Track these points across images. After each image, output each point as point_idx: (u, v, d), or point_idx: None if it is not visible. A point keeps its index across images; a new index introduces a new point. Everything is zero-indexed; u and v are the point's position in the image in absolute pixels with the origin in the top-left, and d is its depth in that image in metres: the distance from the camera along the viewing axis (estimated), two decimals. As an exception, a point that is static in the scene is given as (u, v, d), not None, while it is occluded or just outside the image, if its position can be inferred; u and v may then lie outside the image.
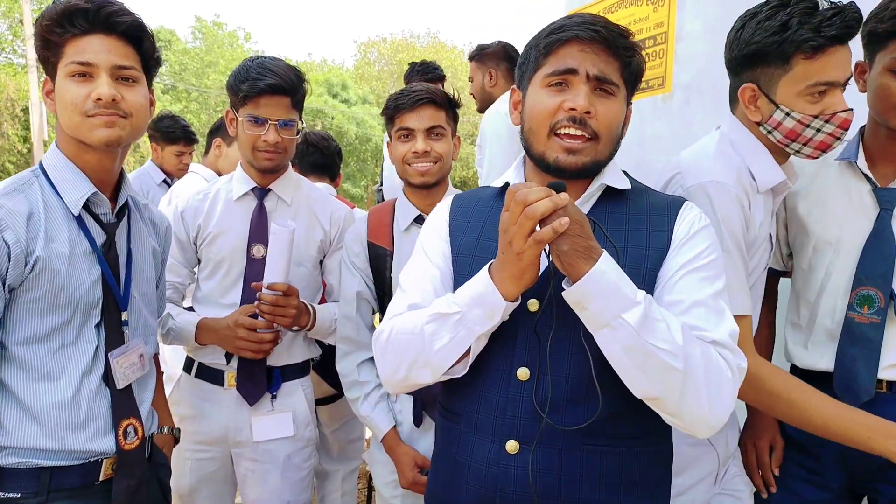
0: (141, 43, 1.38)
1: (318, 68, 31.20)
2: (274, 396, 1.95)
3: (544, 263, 1.12)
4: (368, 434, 3.48)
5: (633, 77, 1.22)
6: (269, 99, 1.83)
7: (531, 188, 1.01)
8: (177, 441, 1.73)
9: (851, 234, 1.52)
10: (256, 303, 1.83)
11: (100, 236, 1.40)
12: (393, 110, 1.85)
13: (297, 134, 1.95)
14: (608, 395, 1.09)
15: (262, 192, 1.96)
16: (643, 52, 1.23)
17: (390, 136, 1.90)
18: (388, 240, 1.88)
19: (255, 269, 1.91)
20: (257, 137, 1.86)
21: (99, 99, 1.31)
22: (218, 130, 3.36)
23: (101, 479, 1.36)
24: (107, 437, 1.36)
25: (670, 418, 1.08)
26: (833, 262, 1.54)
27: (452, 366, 1.17)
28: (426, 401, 1.82)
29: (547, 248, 1.05)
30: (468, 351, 1.15)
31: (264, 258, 1.86)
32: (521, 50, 3.51)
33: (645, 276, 1.15)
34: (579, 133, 1.15)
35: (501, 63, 3.27)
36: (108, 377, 1.38)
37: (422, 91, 1.81)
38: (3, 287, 1.26)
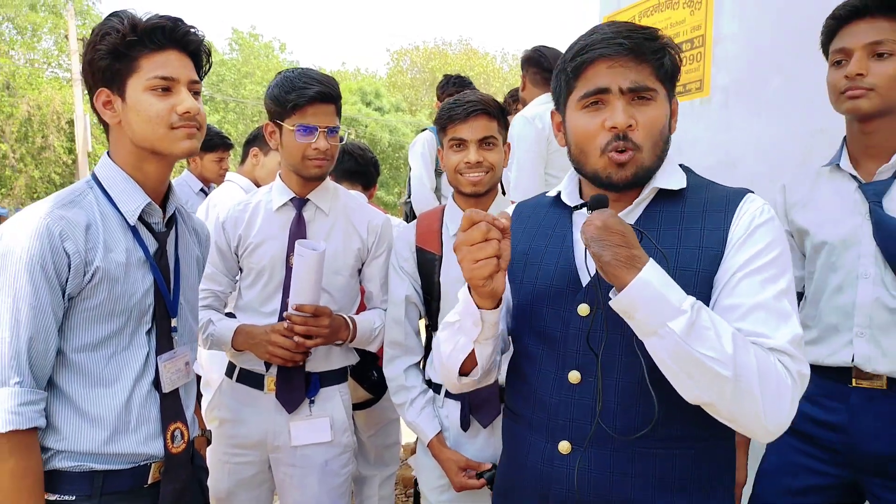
0: (201, 59, 1.46)
1: (351, 77, 31.56)
2: (312, 402, 1.97)
3: (592, 269, 1.15)
4: (405, 440, 3.49)
5: (669, 75, 1.19)
6: (316, 107, 1.86)
7: (474, 219, 1.06)
8: (209, 442, 1.76)
9: (846, 232, 1.59)
10: (286, 323, 1.85)
11: (152, 245, 1.44)
12: (446, 120, 1.86)
13: (342, 140, 1.98)
14: (661, 399, 1.09)
15: (300, 202, 1.99)
16: (677, 52, 1.20)
17: (442, 145, 1.91)
18: (437, 245, 1.90)
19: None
20: (307, 146, 1.88)
21: (186, 112, 1.38)
22: (255, 140, 3.41)
23: (149, 482, 1.40)
24: (156, 440, 1.40)
25: (726, 422, 1.07)
26: (832, 260, 1.60)
27: (469, 374, 1.26)
28: (473, 405, 1.83)
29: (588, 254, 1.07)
30: (475, 360, 1.22)
31: None
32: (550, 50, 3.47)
33: (697, 277, 1.13)
34: (623, 149, 1.15)
35: (530, 68, 3.28)
36: (157, 382, 1.42)
37: (475, 101, 1.82)
38: (63, 296, 1.30)
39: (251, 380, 1.99)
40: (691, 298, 1.03)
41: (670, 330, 1.00)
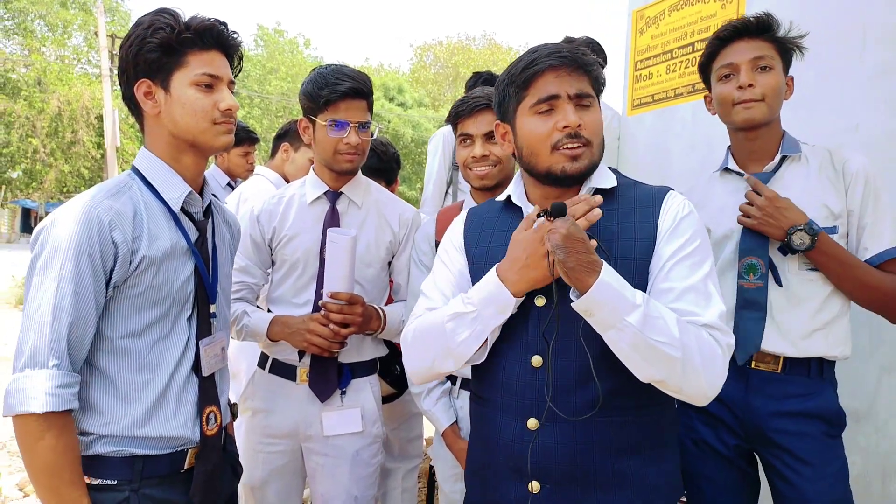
0: (234, 60, 1.54)
1: (374, 72, 31.64)
2: (343, 392, 1.99)
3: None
4: (428, 433, 3.51)
5: (599, 86, 1.37)
6: (349, 103, 1.89)
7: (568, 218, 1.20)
8: (234, 416, 1.74)
9: (727, 227, 1.75)
10: (322, 311, 1.88)
11: (193, 233, 1.49)
12: (455, 117, 1.91)
13: (372, 136, 2.00)
14: (612, 376, 1.25)
15: (334, 196, 2.01)
16: (602, 68, 1.40)
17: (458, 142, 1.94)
18: None
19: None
20: (339, 141, 1.91)
21: (228, 109, 1.46)
22: (286, 135, 3.43)
23: (185, 467, 1.43)
24: (194, 424, 1.44)
25: (672, 394, 1.22)
26: (727, 250, 1.75)
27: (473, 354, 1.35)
28: None
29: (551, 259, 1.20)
30: (486, 340, 1.32)
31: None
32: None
33: (635, 265, 1.29)
34: (576, 144, 1.30)
35: None
36: (196, 367, 1.46)
37: (480, 97, 1.84)
38: (108, 285, 1.33)
39: (284, 370, 2.02)
40: (640, 293, 1.18)
41: (628, 323, 1.14)
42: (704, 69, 1.83)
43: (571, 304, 1.18)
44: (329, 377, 1.97)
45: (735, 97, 1.69)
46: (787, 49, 1.72)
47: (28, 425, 1.24)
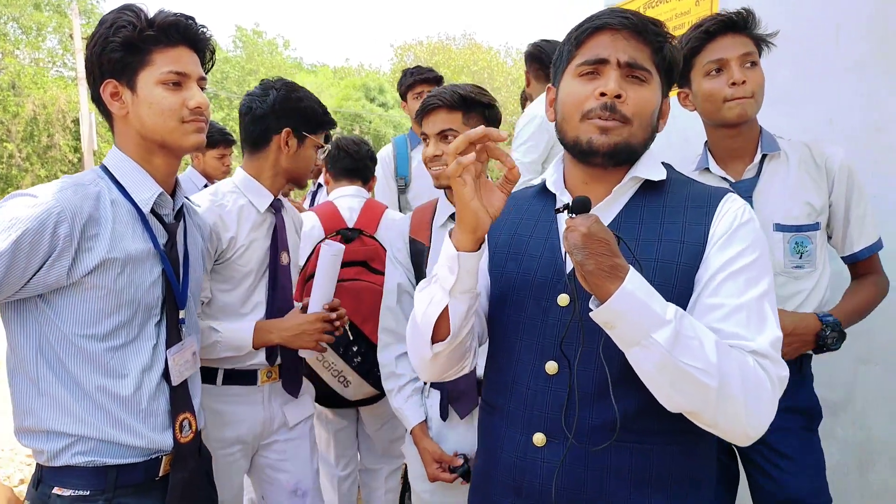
0: (206, 56, 1.49)
1: (355, 73, 31.54)
2: None
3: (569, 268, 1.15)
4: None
5: (666, 65, 1.18)
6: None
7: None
8: None
9: None
10: (325, 312, 1.94)
11: (162, 236, 1.44)
12: (419, 118, 1.90)
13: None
14: (636, 394, 1.07)
15: (277, 203, 2.00)
16: (678, 50, 1.21)
17: None
18: (428, 236, 1.93)
19: (284, 274, 2.00)
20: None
21: (198, 107, 1.41)
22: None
23: (160, 475, 1.40)
24: (166, 432, 1.41)
25: (706, 427, 1.05)
26: None
27: (443, 341, 1.17)
28: (452, 396, 1.86)
29: (570, 260, 1.04)
30: (449, 325, 1.15)
31: (288, 265, 2.00)
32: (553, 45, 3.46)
33: (678, 271, 1.11)
34: (609, 116, 1.13)
35: (532, 64, 3.25)
36: (166, 374, 1.42)
37: (434, 95, 1.83)
38: (37, 272, 1.25)
39: (243, 378, 1.95)
40: (673, 307, 1.01)
41: (654, 341, 0.98)
42: (685, 63, 1.78)
43: (591, 315, 1.02)
44: (298, 372, 2.03)
45: (727, 94, 1.66)
46: (760, 45, 1.73)
47: None
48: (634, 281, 0.99)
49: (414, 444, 1.91)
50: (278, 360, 1.99)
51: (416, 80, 3.47)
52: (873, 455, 2.12)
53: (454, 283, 1.11)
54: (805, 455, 1.65)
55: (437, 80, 3.48)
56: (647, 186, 1.21)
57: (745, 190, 1.71)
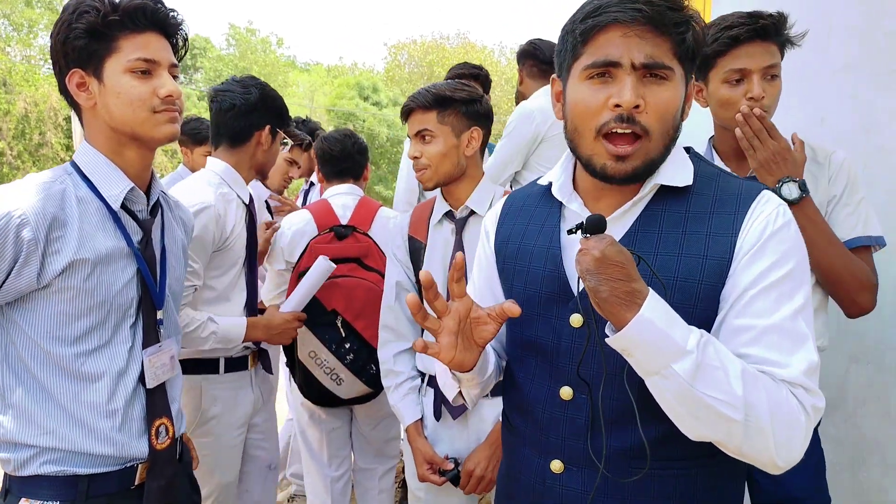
0: (178, 43, 1.42)
1: (349, 71, 31.47)
2: None
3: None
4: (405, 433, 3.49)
5: (689, 53, 1.02)
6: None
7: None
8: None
9: None
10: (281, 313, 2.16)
11: (136, 234, 1.38)
12: (402, 121, 1.94)
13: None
14: (657, 422, 1.00)
15: (249, 196, 2.16)
16: (702, 27, 1.05)
17: None
18: (425, 234, 1.94)
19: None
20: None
21: (169, 95, 1.33)
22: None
23: (136, 483, 1.35)
24: (142, 438, 1.35)
25: (732, 455, 0.97)
26: None
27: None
28: (444, 397, 1.83)
29: (581, 283, 0.96)
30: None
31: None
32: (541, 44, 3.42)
33: (699, 289, 1.00)
34: (628, 131, 1.00)
35: (526, 61, 3.25)
36: (142, 377, 1.36)
37: (409, 98, 1.86)
38: (1, 284, 1.22)
39: (238, 364, 2.10)
40: (697, 334, 0.92)
41: (674, 371, 0.90)
42: (706, 62, 1.69)
43: (606, 341, 0.94)
44: (267, 354, 2.28)
45: (744, 108, 1.61)
46: (784, 50, 1.69)
47: None
48: (654, 308, 0.91)
49: (408, 441, 1.91)
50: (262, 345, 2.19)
51: (457, 73, 3.46)
52: (865, 454, 2.13)
53: (458, 390, 1.18)
54: (807, 455, 1.63)
55: (475, 76, 3.40)
56: (670, 189, 1.08)
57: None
